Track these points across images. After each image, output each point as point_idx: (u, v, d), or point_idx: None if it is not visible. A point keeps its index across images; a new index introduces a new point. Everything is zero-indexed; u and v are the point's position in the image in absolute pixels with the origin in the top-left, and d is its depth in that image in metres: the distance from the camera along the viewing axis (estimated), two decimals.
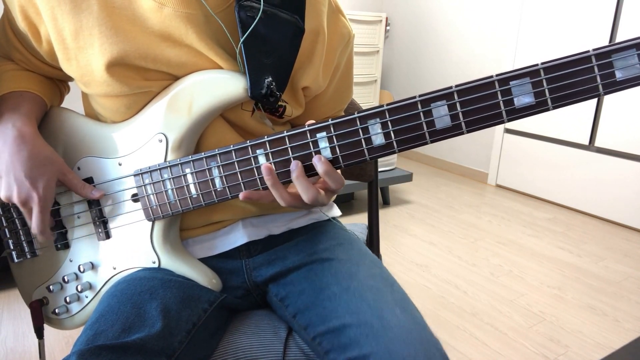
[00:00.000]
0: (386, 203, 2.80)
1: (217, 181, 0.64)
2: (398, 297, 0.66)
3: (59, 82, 0.80)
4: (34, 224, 0.67)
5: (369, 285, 0.67)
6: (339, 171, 0.64)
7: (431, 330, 0.62)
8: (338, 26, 0.72)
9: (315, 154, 0.59)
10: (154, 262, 0.70)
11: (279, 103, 0.70)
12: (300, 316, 0.68)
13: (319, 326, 0.64)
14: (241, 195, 0.62)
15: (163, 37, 0.63)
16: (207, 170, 0.64)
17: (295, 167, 0.59)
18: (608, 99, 2.56)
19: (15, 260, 0.77)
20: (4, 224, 0.75)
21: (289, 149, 0.60)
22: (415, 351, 0.57)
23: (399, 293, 0.67)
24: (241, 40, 0.62)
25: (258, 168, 0.61)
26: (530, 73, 0.51)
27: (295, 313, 0.69)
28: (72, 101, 0.87)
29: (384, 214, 2.63)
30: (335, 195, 0.65)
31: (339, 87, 0.79)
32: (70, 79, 0.76)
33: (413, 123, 0.55)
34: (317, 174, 0.60)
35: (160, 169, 0.66)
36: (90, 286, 0.73)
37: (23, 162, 0.64)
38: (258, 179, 0.62)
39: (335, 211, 0.87)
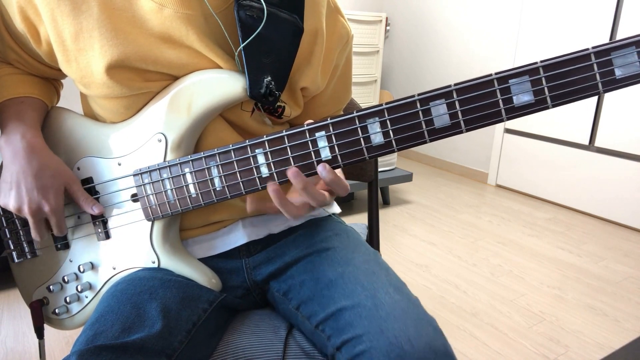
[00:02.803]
0: (386, 203, 2.80)
1: (217, 181, 0.64)
2: (393, 279, 0.67)
3: (54, 82, 0.80)
4: (55, 230, 0.70)
5: (364, 269, 0.68)
6: (342, 176, 0.64)
7: (425, 310, 0.63)
8: (337, 27, 0.72)
9: (318, 161, 0.59)
10: (153, 262, 0.70)
11: (278, 103, 0.70)
12: (304, 307, 0.68)
13: (320, 314, 0.65)
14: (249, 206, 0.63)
15: (163, 39, 0.63)
16: (206, 170, 0.64)
17: (296, 177, 0.58)
18: (608, 99, 2.56)
19: (16, 261, 0.77)
20: (4, 224, 0.75)
21: (288, 148, 0.60)
22: (406, 326, 0.57)
23: (394, 276, 0.68)
24: (242, 42, 0.62)
25: (257, 167, 0.61)
26: (530, 71, 0.51)
27: (298, 304, 0.69)
28: (71, 101, 0.87)
29: (384, 214, 2.63)
30: (335, 195, 0.65)
31: (337, 87, 0.79)
32: (65, 77, 0.76)
33: (412, 122, 0.55)
34: (314, 173, 0.60)
35: (159, 169, 0.66)
36: (90, 286, 0.73)
37: (33, 174, 0.66)
38: (257, 179, 0.62)
39: (335, 208, 0.87)
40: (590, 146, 2.67)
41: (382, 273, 0.68)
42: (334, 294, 0.65)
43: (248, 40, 0.62)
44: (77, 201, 0.70)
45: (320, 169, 0.58)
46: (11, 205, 0.67)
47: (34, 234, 0.69)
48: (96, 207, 0.69)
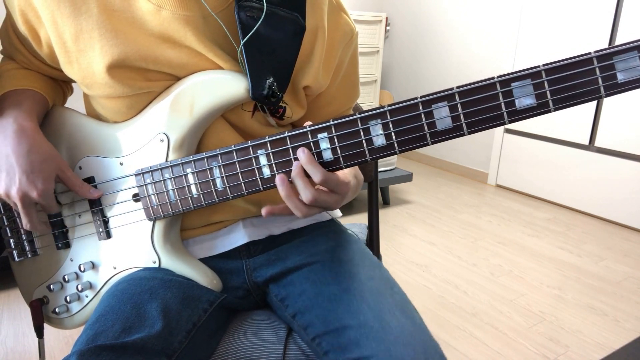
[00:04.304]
0: (386, 203, 2.80)
1: (218, 181, 0.64)
2: (398, 299, 0.66)
3: (62, 83, 0.80)
4: (46, 211, 0.69)
5: (369, 287, 0.67)
6: (341, 176, 0.63)
7: (430, 333, 0.62)
8: (340, 24, 0.72)
9: (320, 162, 0.59)
10: (154, 262, 0.70)
11: (280, 104, 0.69)
12: (300, 317, 0.68)
13: (319, 327, 0.64)
14: (264, 212, 0.61)
15: (163, 39, 0.63)
16: (208, 170, 0.64)
17: (295, 166, 0.59)
18: (608, 99, 2.56)
19: (16, 259, 0.77)
20: (5, 223, 0.75)
21: (290, 149, 0.60)
22: (416, 353, 0.57)
23: (399, 295, 0.68)
24: (242, 41, 0.62)
25: (259, 168, 0.61)
26: (532, 74, 0.51)
27: (295, 313, 0.69)
28: (73, 101, 0.87)
29: (384, 214, 2.63)
30: (344, 201, 0.64)
31: (343, 85, 0.78)
32: (73, 80, 0.76)
33: (414, 124, 0.55)
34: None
35: (161, 169, 0.66)
36: (90, 286, 0.73)
37: (22, 157, 0.64)
38: (259, 179, 0.62)
39: (336, 212, 0.87)
40: (590, 146, 2.67)
41: (388, 292, 0.67)
42: (337, 309, 0.64)
43: (247, 37, 0.61)
44: (71, 187, 0.68)
45: (300, 152, 0.58)
46: (0, 189, 0.66)
47: (24, 221, 0.68)
48: (94, 191, 0.68)
